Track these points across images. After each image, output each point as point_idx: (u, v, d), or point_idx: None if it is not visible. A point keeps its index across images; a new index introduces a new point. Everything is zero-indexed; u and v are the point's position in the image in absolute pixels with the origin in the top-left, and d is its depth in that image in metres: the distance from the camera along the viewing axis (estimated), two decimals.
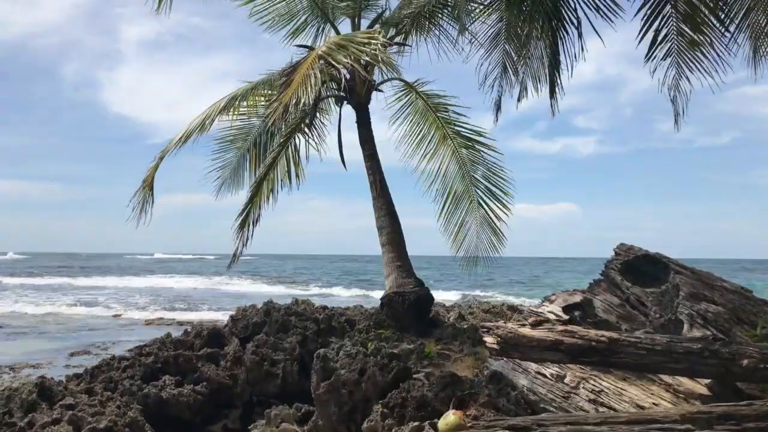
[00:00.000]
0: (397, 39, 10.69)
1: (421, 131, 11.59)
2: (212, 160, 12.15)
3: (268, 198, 11.47)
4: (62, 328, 20.70)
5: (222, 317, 21.14)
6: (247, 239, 11.36)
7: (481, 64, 10.17)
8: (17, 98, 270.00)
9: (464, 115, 11.41)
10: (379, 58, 7.91)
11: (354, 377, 6.90)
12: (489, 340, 6.14)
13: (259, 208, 11.37)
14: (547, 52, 8.88)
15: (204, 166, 12.24)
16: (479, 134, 11.26)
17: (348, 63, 7.52)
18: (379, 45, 7.63)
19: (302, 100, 7.17)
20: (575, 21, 8.44)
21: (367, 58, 7.69)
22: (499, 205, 11.22)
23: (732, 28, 8.34)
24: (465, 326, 10.10)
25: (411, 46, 10.81)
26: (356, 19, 10.63)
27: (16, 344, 17.21)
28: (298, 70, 7.55)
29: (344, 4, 10.55)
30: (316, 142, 11.28)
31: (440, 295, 28.38)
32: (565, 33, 8.61)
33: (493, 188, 11.26)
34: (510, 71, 10.15)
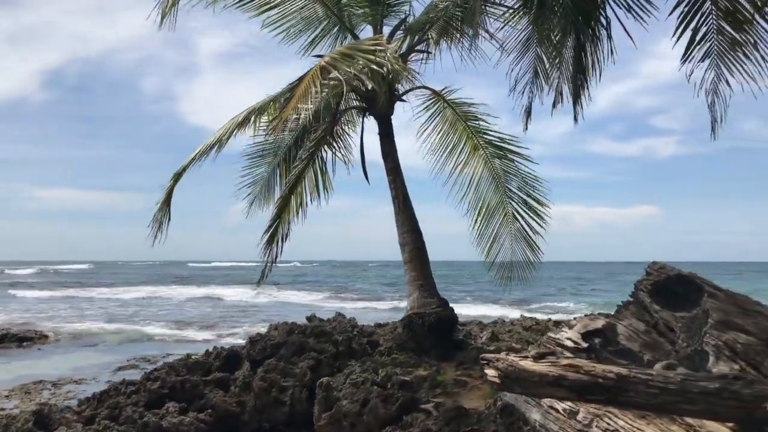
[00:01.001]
0: (420, 46, 10.22)
1: (451, 141, 11.10)
2: (242, 176, 11.78)
3: (297, 212, 11.23)
4: (116, 341, 20.69)
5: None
6: (276, 256, 11.14)
7: (512, 70, 9.74)
8: (100, 112, 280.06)
9: (494, 124, 10.94)
10: (390, 67, 7.46)
11: (356, 408, 6.51)
12: (490, 372, 5.62)
13: (288, 223, 11.12)
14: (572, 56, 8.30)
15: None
16: (510, 143, 10.70)
17: (351, 72, 7.12)
18: (387, 53, 7.19)
19: (302, 115, 6.80)
20: (603, 21, 7.88)
21: (375, 67, 7.21)
22: (535, 217, 10.66)
23: None
24: (492, 348, 9.55)
25: (432, 53, 10.32)
26: (378, 27, 10.17)
27: (68, 358, 17.10)
28: (301, 84, 7.18)
29: (362, 11, 10.12)
30: (342, 154, 10.98)
31: (496, 311, 27.68)
32: (591, 33, 8.02)
33: (529, 200, 10.70)
34: (541, 76, 9.65)
